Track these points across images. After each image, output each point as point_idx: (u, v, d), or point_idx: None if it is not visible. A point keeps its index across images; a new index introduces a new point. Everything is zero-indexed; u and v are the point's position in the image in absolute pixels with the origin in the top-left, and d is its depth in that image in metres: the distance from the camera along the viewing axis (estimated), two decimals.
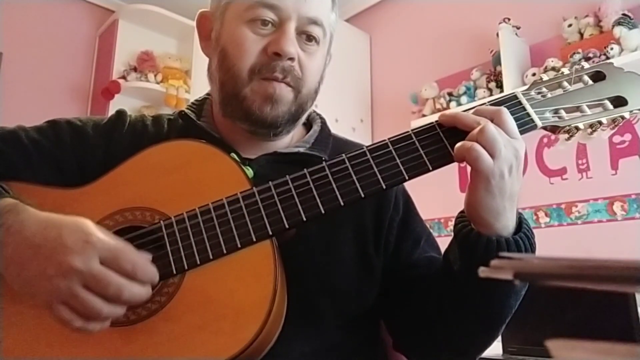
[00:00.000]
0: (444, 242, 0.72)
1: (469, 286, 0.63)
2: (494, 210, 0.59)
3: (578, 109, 0.63)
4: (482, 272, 0.28)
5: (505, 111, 0.60)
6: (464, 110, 0.63)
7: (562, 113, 0.63)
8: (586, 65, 0.67)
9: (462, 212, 0.65)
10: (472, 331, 0.68)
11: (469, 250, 0.62)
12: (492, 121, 0.59)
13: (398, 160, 0.61)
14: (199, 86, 2.73)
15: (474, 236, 0.61)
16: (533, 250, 0.63)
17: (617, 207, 1.99)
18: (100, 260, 0.53)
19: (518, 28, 2.32)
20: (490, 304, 0.64)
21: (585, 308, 1.60)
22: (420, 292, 0.72)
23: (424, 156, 0.61)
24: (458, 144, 0.59)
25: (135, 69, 2.80)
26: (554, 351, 0.22)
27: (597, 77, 0.66)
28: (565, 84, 0.65)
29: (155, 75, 2.80)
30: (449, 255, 0.67)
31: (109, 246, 0.54)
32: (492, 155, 0.57)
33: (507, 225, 0.61)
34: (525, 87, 0.66)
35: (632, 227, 1.94)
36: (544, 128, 0.63)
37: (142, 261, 0.56)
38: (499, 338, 1.78)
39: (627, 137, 2.01)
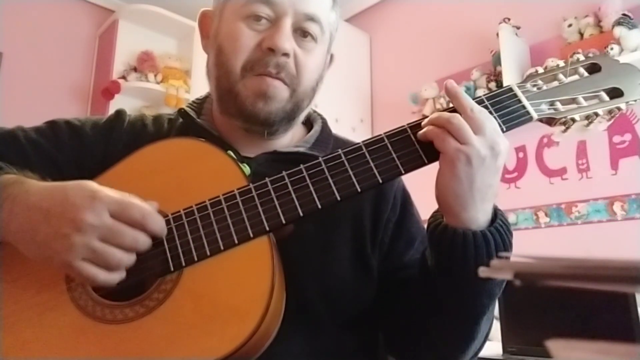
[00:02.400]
0: None
1: (439, 281, 0.63)
2: (460, 198, 0.58)
3: (574, 100, 0.63)
4: (482, 272, 0.28)
5: (483, 112, 0.60)
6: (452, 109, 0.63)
7: (558, 105, 0.63)
8: (582, 57, 0.67)
9: (437, 210, 0.65)
10: (448, 330, 0.67)
11: (436, 244, 0.62)
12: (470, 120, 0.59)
13: (394, 155, 0.61)
14: (199, 86, 2.73)
15: (441, 228, 0.61)
16: (506, 247, 0.61)
17: (617, 207, 1.99)
18: (110, 213, 0.55)
19: (518, 28, 2.32)
20: (460, 301, 0.63)
21: (585, 308, 1.60)
22: (409, 294, 0.71)
23: (419, 149, 0.61)
24: (426, 128, 0.60)
25: (135, 69, 2.80)
26: (554, 351, 0.22)
27: (593, 69, 0.66)
28: (561, 76, 0.65)
29: (155, 75, 2.80)
30: (426, 252, 0.67)
31: (116, 198, 0.57)
32: (459, 140, 0.57)
33: (475, 217, 0.59)
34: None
35: (632, 227, 1.94)
36: (540, 120, 0.63)
37: (150, 209, 0.58)
38: (499, 338, 1.78)
39: (627, 137, 2.01)
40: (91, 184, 0.58)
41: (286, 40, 0.69)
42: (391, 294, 0.74)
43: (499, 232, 0.60)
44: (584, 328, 1.60)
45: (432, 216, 0.65)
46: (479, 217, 0.60)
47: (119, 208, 0.56)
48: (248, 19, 0.71)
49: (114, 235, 0.55)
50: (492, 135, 0.58)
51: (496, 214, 0.62)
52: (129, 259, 0.56)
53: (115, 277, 0.56)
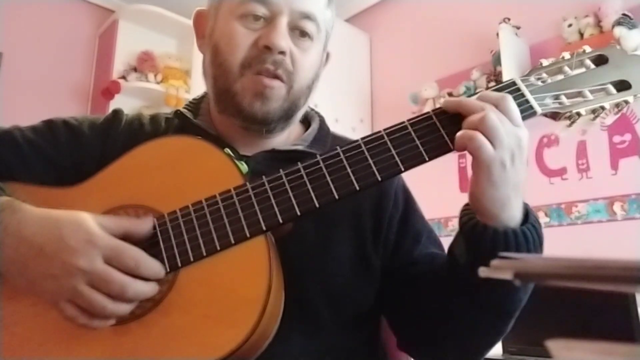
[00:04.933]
0: (444, 243, 0.72)
1: (477, 280, 0.62)
2: (498, 201, 0.58)
3: (580, 94, 0.61)
4: (482, 272, 0.28)
5: (509, 98, 0.58)
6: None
7: (563, 99, 0.61)
8: (588, 49, 0.65)
9: (466, 204, 0.63)
10: (481, 327, 0.67)
11: (475, 243, 0.60)
12: (496, 107, 0.58)
13: (393, 152, 0.60)
14: (199, 86, 2.71)
15: (480, 228, 0.59)
16: (541, 241, 0.61)
17: (617, 207, 1.99)
18: (103, 258, 0.55)
19: (518, 28, 2.32)
20: (498, 298, 0.63)
21: (585, 308, 1.60)
22: (424, 289, 0.71)
23: (420, 146, 0.59)
24: (459, 133, 0.57)
25: (135, 69, 2.80)
26: (554, 351, 0.22)
27: (600, 60, 0.64)
28: (566, 69, 0.63)
29: (155, 75, 2.80)
30: (455, 250, 0.65)
31: (111, 244, 0.56)
32: (493, 144, 0.56)
33: (513, 215, 0.59)
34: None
35: (632, 227, 1.94)
36: (545, 115, 0.61)
37: (145, 256, 0.57)
38: None
39: (627, 137, 2.01)
40: (88, 224, 0.56)
41: (282, 39, 0.69)
42: (405, 291, 0.73)
43: (534, 227, 0.60)
44: (584, 328, 1.60)
45: (463, 214, 0.63)
46: (515, 215, 0.60)
47: (112, 254, 0.55)
48: (244, 18, 0.71)
49: (101, 282, 0.54)
50: (518, 131, 0.58)
51: (527, 209, 0.62)
52: (114, 307, 0.55)
53: (97, 323, 0.55)
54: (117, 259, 0.55)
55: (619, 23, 1.96)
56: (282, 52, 0.69)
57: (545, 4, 2.32)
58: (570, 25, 2.14)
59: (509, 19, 2.31)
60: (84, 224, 0.56)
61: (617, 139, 2.03)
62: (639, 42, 1.92)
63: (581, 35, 2.12)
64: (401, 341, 0.78)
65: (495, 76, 2.35)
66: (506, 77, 2.21)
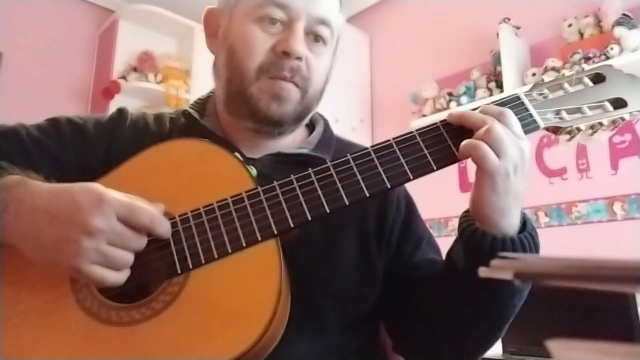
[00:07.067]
0: (444, 242, 0.72)
1: (473, 285, 0.63)
2: (499, 209, 0.59)
3: (579, 110, 0.64)
4: (482, 272, 0.28)
5: (510, 112, 0.60)
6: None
7: (564, 114, 0.63)
8: (586, 67, 0.68)
9: (466, 211, 0.65)
10: (476, 331, 0.68)
11: (474, 249, 0.61)
12: (498, 121, 0.59)
13: (402, 160, 0.61)
14: (199, 86, 2.73)
15: (479, 235, 0.61)
16: (537, 249, 0.63)
17: (617, 207, 1.99)
18: (117, 217, 0.55)
19: (518, 28, 2.32)
20: (494, 303, 0.64)
21: (585, 308, 1.60)
22: (422, 293, 0.71)
23: (428, 156, 0.61)
24: (464, 142, 0.59)
25: (135, 69, 2.80)
26: (554, 351, 0.22)
27: (597, 78, 0.66)
28: (566, 85, 0.66)
29: (155, 75, 2.80)
30: (453, 255, 0.66)
31: (124, 202, 0.57)
32: (497, 155, 0.57)
33: (512, 223, 0.61)
34: (527, 88, 0.67)
35: (632, 227, 1.94)
36: (546, 129, 0.64)
37: (157, 213, 0.59)
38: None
39: (627, 137, 2.02)
40: (97, 187, 0.58)
41: (300, 45, 0.70)
42: (403, 295, 0.74)
43: (531, 236, 0.62)
44: (584, 328, 1.60)
45: (463, 220, 0.65)
46: (514, 223, 0.61)
47: (127, 212, 0.56)
48: (261, 22, 0.71)
49: (121, 239, 0.55)
50: (521, 143, 0.59)
51: (524, 218, 0.63)
52: (132, 258, 0.57)
53: (123, 277, 0.57)
54: (132, 215, 0.56)
55: (619, 23, 1.96)
56: (299, 58, 0.70)
57: (545, 4, 2.32)
58: (570, 25, 2.14)
59: (509, 19, 2.31)
60: (93, 186, 0.58)
61: (617, 139, 2.03)
62: (639, 42, 1.92)
63: (581, 35, 2.12)
64: (397, 345, 0.79)
65: (495, 76, 2.35)
66: (506, 77, 2.21)
